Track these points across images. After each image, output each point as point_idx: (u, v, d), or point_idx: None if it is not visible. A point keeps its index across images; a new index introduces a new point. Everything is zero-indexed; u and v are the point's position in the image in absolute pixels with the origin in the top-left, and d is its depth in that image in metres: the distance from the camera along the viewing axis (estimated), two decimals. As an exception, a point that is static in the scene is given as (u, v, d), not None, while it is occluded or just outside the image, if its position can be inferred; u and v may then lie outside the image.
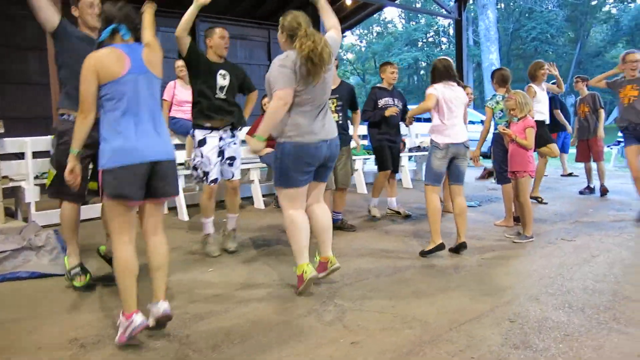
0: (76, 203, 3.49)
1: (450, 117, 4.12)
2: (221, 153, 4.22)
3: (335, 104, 4.86)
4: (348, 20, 13.35)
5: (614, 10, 33.19)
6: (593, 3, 33.15)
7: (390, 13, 41.35)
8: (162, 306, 2.70)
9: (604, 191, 6.92)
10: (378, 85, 5.66)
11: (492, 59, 21.39)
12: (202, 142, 4.14)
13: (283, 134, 3.21)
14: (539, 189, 6.76)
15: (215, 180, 4.18)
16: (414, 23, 36.69)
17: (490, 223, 5.39)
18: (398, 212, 5.76)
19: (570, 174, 9.06)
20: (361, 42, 43.77)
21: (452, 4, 11.57)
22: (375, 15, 41.70)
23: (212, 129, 4.16)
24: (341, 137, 4.90)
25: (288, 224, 3.30)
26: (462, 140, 4.17)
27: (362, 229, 5.21)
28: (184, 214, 5.72)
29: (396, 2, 12.70)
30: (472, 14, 29.68)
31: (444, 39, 38.42)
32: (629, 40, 32.04)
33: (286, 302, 3.21)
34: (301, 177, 3.23)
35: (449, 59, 4.30)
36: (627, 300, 3.14)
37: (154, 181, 2.68)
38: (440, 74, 4.18)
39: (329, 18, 3.42)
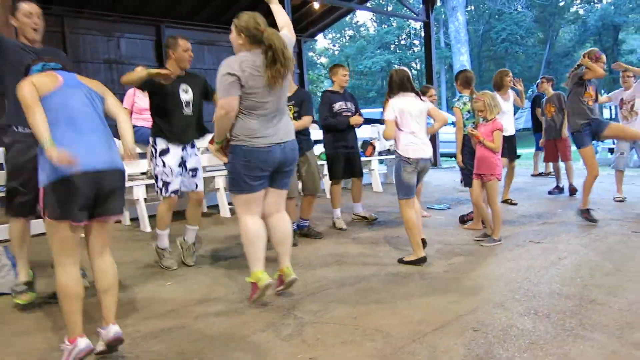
0: (25, 217, 3.32)
1: (415, 130, 4.01)
2: (183, 164, 4.06)
3: (292, 111, 4.75)
4: (317, 24, 13.31)
5: (581, 11, 33.89)
6: (561, 4, 33.81)
7: (363, 16, 41.52)
8: (112, 330, 2.54)
9: (572, 191, 6.94)
10: (330, 89, 5.41)
11: (462, 60, 21.55)
12: (164, 152, 3.96)
13: (234, 137, 3.11)
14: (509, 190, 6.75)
15: (176, 192, 4.00)
16: (385, 26, 36.87)
17: (458, 226, 5.33)
18: (364, 217, 5.65)
19: (540, 174, 9.11)
20: (334, 45, 43.89)
21: (421, 6, 11.56)
22: (347, 19, 41.98)
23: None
24: (303, 143, 4.83)
25: (242, 231, 3.18)
26: (429, 155, 4.10)
27: (329, 236, 5.09)
28: (146, 225, 5.52)
29: (365, 5, 12.69)
30: (443, 17, 29.93)
31: (416, 42, 38.70)
32: (597, 40, 32.73)
33: (245, 316, 3.07)
34: (254, 182, 3.12)
35: (406, 69, 4.20)
36: (593, 304, 3.08)
37: (99, 198, 2.52)
38: (396, 85, 4.08)
39: (282, 17, 3.32)
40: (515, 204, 6.51)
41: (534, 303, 3.13)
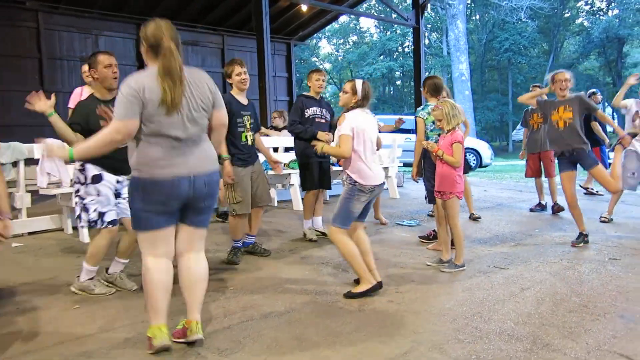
0: None
1: (371, 153, 3.56)
2: (118, 194, 3.58)
3: (250, 121, 4.37)
4: (306, 27, 12.95)
5: (586, 23, 33.40)
6: (566, 15, 33.33)
7: (366, 23, 41.20)
8: None
9: (557, 210, 6.48)
10: (305, 93, 5.16)
11: (462, 69, 21.13)
12: (97, 178, 3.45)
13: (133, 166, 2.59)
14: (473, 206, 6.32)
15: (114, 222, 3.50)
16: (388, 33, 36.47)
17: (423, 246, 4.90)
18: (324, 234, 5.22)
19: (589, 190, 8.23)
20: (337, 51, 43.60)
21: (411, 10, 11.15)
22: (351, 25, 41.79)
23: None
24: (253, 153, 4.44)
25: (143, 273, 2.64)
26: (382, 180, 3.64)
27: (279, 254, 4.67)
28: (84, 236, 5.10)
29: (355, 9, 12.31)
30: (444, 25, 29.56)
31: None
32: (600, 51, 32.25)
33: (142, 352, 2.65)
34: (156, 218, 2.58)
35: (368, 83, 3.73)
36: (546, 350, 2.65)
37: None
38: (362, 97, 3.57)
39: None
40: (478, 218, 6.09)
41: (478, 346, 2.69)
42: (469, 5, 35.72)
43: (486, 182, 10.15)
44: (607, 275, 3.91)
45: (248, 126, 4.34)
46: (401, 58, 36.42)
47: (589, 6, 34.34)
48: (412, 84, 43.19)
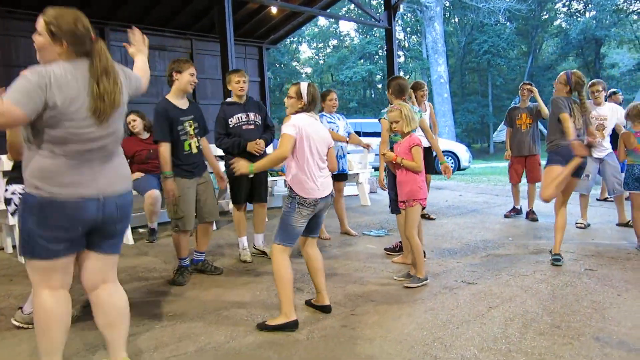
0: None
1: (317, 162, 3.19)
2: None
3: (193, 127, 3.98)
4: (278, 30, 12.61)
5: (564, 25, 33.55)
6: (544, 17, 33.47)
7: (346, 26, 41.09)
8: None
9: (532, 219, 6.18)
10: (228, 100, 4.54)
11: (440, 71, 20.96)
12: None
13: (27, 179, 2.16)
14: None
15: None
16: (368, 36, 36.35)
17: (389, 259, 4.58)
18: (264, 252, 4.75)
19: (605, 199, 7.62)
20: (318, 55, 43.45)
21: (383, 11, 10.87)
22: (331, 29, 41.61)
23: None
24: (200, 164, 4.08)
25: (35, 310, 2.22)
26: (330, 191, 3.25)
27: (231, 272, 4.31)
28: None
29: (327, 11, 12.01)
30: (423, 27, 29.47)
31: (400, 52, 38.28)
32: (579, 52, 32.42)
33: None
34: (53, 246, 2.16)
35: (315, 85, 3.40)
36: (510, 383, 2.33)
37: None
38: (309, 101, 3.22)
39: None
40: (433, 219, 5.85)
41: (435, 381, 2.37)
42: (447, 8, 35.78)
43: (463, 186, 9.89)
44: (583, 289, 3.62)
45: (192, 132, 3.96)
46: (381, 61, 36.30)
47: (567, 8, 34.57)
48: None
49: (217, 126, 4.43)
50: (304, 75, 41.26)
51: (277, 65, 39.21)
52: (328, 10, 12.29)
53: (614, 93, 7.16)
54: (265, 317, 3.21)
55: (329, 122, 5.34)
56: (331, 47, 42.82)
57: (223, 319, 3.24)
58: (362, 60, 35.92)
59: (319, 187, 3.14)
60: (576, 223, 5.77)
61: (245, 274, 4.22)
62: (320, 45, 43.33)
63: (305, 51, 44.55)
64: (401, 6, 10.89)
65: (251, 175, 4.22)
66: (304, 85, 3.21)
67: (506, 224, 6.02)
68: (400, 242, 4.69)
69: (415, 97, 5.77)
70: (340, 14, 27.02)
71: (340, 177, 5.46)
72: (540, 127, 6.67)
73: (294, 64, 40.90)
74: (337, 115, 5.55)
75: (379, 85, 40.02)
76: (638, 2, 31.65)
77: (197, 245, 4.18)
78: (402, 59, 38.88)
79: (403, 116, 3.68)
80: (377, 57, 37.20)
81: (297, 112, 3.20)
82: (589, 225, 5.77)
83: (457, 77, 34.95)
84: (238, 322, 3.17)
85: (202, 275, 4.16)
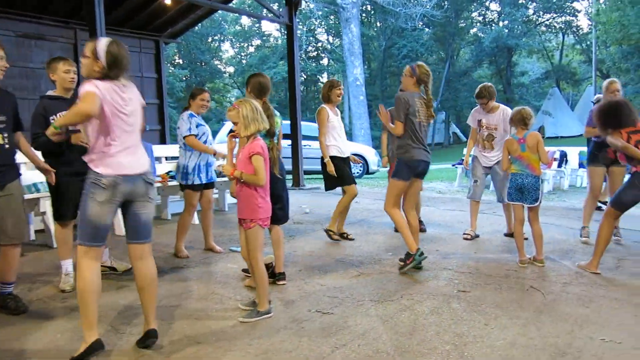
0: None
1: (121, 134, 2.58)
2: None
3: None
4: (176, 23, 11.75)
5: (480, 34, 34.57)
6: (461, 25, 34.33)
7: (268, 26, 40.44)
8: None
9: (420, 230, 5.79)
10: (49, 93, 3.76)
11: (356, 73, 20.73)
12: None
13: None
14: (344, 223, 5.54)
15: None
16: (290, 37, 35.86)
17: (241, 280, 3.96)
18: (113, 268, 4.13)
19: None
20: (240, 54, 42.60)
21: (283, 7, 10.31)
22: (254, 28, 40.76)
23: None
24: (6, 170, 3.28)
25: None
26: (139, 170, 2.64)
27: (45, 304, 3.52)
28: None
29: (227, 4, 11.30)
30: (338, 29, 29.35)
31: (323, 55, 38.16)
32: (492, 60, 33.50)
33: None
34: None
35: (122, 44, 2.72)
36: None
37: None
38: (110, 65, 2.59)
39: None
40: (352, 239, 5.32)
41: None
42: (369, 12, 35.97)
43: (364, 192, 9.48)
44: (448, 318, 3.17)
45: None
46: (302, 62, 35.97)
47: (482, 17, 35.68)
48: (315, 88, 42.70)
49: (35, 124, 3.60)
50: (226, 75, 40.39)
51: (198, 64, 37.93)
52: (228, 5, 11.57)
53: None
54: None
55: (198, 126, 4.64)
56: (254, 46, 42.04)
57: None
58: (282, 61, 35.35)
59: (119, 162, 2.56)
60: (463, 234, 5.43)
61: (60, 310, 3.41)
62: (245, 44, 42.48)
63: (229, 50, 43.55)
64: (303, 3, 10.39)
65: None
66: (102, 43, 2.56)
67: (391, 236, 5.56)
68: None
69: (330, 96, 5.26)
70: (242, 8, 26.12)
71: (207, 185, 4.79)
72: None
73: (216, 62, 39.78)
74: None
75: (301, 87, 39.63)
76: (547, 13, 33.20)
77: (2, 275, 3.36)
78: (325, 61, 38.71)
79: (241, 117, 3.05)
80: (299, 58, 36.82)
81: (97, 79, 2.53)
82: (477, 236, 5.44)
83: (379, 80, 35.18)
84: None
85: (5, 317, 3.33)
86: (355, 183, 5.32)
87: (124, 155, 2.61)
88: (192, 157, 4.62)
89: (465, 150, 6.21)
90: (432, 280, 3.96)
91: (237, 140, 3.25)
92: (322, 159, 5.19)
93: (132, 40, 11.40)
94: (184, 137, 4.54)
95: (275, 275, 3.85)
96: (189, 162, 4.62)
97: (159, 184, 6.08)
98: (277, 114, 3.92)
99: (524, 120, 4.40)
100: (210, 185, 4.80)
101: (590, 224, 5.18)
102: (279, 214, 3.79)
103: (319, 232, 5.67)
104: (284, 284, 3.83)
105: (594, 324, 3.05)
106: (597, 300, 3.46)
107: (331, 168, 5.10)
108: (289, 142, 10.05)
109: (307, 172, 11.07)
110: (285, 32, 10.02)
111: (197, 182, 4.62)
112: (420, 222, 5.86)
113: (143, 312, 2.80)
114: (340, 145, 5.23)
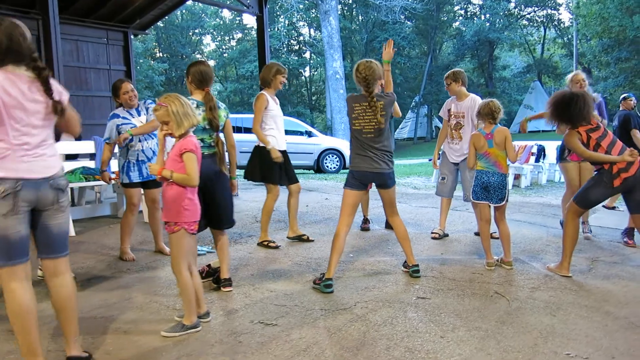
0: None
1: (18, 133, 2.24)
2: None
3: None
4: (145, 13, 11.31)
5: (463, 27, 34.44)
6: (443, 19, 34.13)
7: (250, 20, 39.90)
8: None
9: (364, 229, 5.58)
10: None
11: (335, 67, 20.39)
12: None
13: None
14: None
15: None
16: (271, 29, 35.39)
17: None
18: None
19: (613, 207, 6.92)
20: (221, 48, 42.12)
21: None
22: (236, 21, 40.20)
23: None
24: None
25: None
26: (42, 174, 2.30)
27: None
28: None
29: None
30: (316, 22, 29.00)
31: (304, 48, 37.76)
32: (474, 54, 33.39)
33: None
34: None
35: (18, 25, 2.36)
36: None
37: None
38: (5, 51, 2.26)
39: None
40: (311, 241, 5.01)
41: None
42: (350, 5, 35.61)
43: (337, 188, 9.20)
44: (402, 330, 2.89)
45: None
46: (283, 55, 35.61)
47: (464, 11, 35.51)
48: (297, 82, 42.21)
49: None
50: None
51: (179, 57, 37.34)
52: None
53: (625, 99, 6.55)
54: None
55: (123, 124, 4.30)
56: (236, 40, 41.54)
57: None
58: (264, 54, 34.97)
59: (21, 165, 2.23)
60: (431, 233, 5.17)
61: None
62: (226, 38, 41.97)
63: (210, 44, 43.00)
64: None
65: None
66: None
67: (355, 236, 5.24)
68: (207, 265, 3.79)
69: (273, 82, 4.76)
70: None
71: (148, 184, 4.45)
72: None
73: (197, 55, 39.23)
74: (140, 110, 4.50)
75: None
76: (529, 7, 33.14)
77: None
78: (307, 55, 38.27)
79: (172, 114, 2.72)
80: (280, 51, 36.35)
81: None
82: (446, 235, 5.18)
83: (361, 74, 34.90)
84: None
85: None
86: (297, 182, 4.97)
87: (22, 156, 2.25)
88: (120, 157, 4.46)
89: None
90: (391, 285, 3.68)
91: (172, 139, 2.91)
92: (255, 148, 4.78)
93: (98, 32, 10.97)
94: None
95: (219, 282, 3.54)
96: (119, 161, 4.47)
97: (113, 182, 5.75)
98: (223, 106, 3.60)
99: (493, 114, 4.12)
100: (151, 184, 4.45)
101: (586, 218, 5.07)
102: (222, 217, 3.47)
103: (282, 232, 5.36)
104: (229, 291, 3.53)
105: (559, 336, 2.79)
106: (565, 307, 3.21)
107: (277, 155, 4.63)
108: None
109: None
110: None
111: (125, 180, 4.37)
112: (367, 220, 5.61)
113: (63, 334, 2.47)
114: (277, 137, 4.75)
